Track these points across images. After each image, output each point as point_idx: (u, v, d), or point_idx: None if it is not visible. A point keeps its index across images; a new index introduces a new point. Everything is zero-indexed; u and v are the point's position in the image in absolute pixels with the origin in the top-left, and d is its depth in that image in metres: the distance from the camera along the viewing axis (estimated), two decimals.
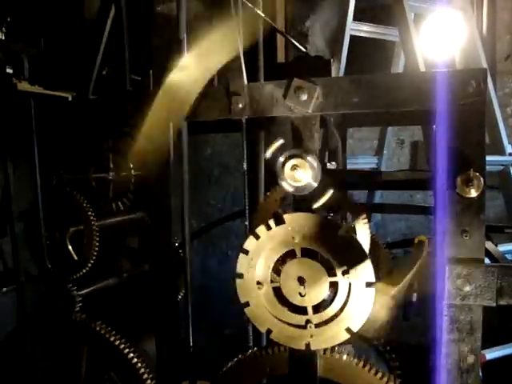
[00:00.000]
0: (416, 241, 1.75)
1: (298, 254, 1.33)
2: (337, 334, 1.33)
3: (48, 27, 2.09)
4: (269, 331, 1.37)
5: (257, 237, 1.34)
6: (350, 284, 1.30)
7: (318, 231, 1.30)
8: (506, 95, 4.85)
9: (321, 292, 1.33)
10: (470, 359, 1.21)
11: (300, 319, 1.35)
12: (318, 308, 1.35)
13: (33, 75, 1.75)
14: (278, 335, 1.37)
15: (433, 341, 1.25)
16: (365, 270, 1.29)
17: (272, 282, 1.36)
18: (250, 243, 1.35)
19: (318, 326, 1.34)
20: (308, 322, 1.35)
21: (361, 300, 1.30)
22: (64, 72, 2.00)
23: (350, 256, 1.29)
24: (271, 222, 1.32)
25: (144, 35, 2.39)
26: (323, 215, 1.35)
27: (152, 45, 2.44)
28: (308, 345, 1.34)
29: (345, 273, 1.30)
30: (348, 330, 1.32)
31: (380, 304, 1.37)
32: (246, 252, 1.35)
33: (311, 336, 1.34)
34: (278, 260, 1.36)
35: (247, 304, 1.37)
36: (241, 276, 1.37)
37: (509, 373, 3.14)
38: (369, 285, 1.29)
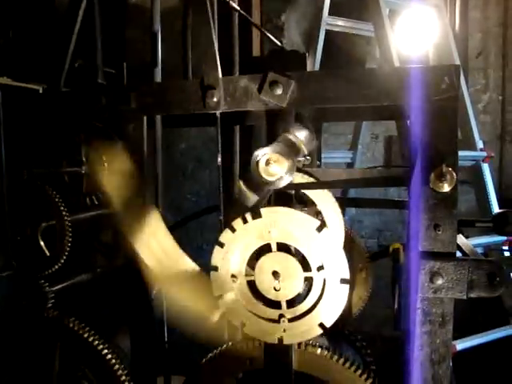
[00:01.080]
0: (391, 249, 1.77)
1: (274, 248, 1.33)
2: (310, 329, 1.34)
3: (17, 16, 2.04)
4: (242, 325, 1.37)
5: (233, 230, 1.33)
6: (324, 280, 1.31)
7: (295, 226, 1.30)
8: (477, 91, 4.95)
9: (295, 287, 1.33)
10: (442, 351, 1.23)
11: (273, 313, 1.36)
12: (291, 303, 1.35)
13: (1, 66, 1.70)
14: (252, 329, 1.37)
15: (405, 333, 1.26)
16: (340, 267, 1.29)
17: (246, 275, 1.36)
18: (225, 236, 1.34)
19: (291, 320, 1.35)
20: (281, 316, 1.35)
21: (335, 296, 1.31)
22: (34, 63, 1.95)
23: (326, 252, 1.30)
24: (248, 216, 1.32)
25: (117, 27, 2.36)
26: (300, 210, 1.35)
27: (126, 37, 2.40)
28: (281, 339, 1.35)
29: (320, 268, 1.31)
30: (321, 325, 1.32)
31: None
32: (222, 245, 1.35)
33: (284, 330, 1.35)
34: (253, 254, 1.35)
35: (221, 297, 1.37)
36: (215, 269, 1.36)
37: (478, 362, 3.22)
38: (343, 281, 1.29)
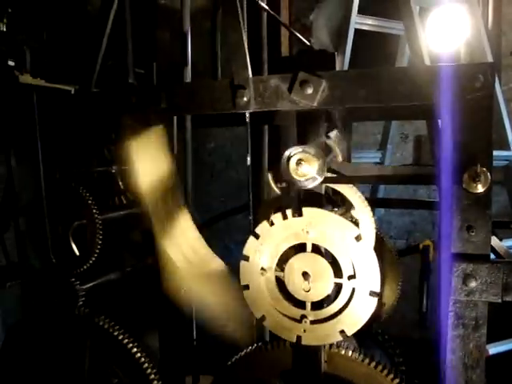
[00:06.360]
0: (421, 246, 1.74)
1: (309, 248, 1.32)
2: (330, 334, 1.33)
3: (50, 19, 2.07)
4: (263, 318, 1.37)
5: (271, 223, 1.33)
6: (353, 289, 1.30)
7: (334, 231, 1.29)
8: (510, 90, 4.81)
9: (323, 291, 1.32)
10: (475, 355, 1.21)
11: (296, 312, 1.35)
12: (316, 305, 1.34)
13: (35, 68, 1.73)
14: (272, 323, 1.37)
15: (438, 336, 1.24)
16: (371, 279, 1.28)
17: (276, 270, 1.36)
18: (262, 228, 1.34)
19: (313, 322, 1.34)
20: (303, 316, 1.35)
21: (361, 306, 1.29)
22: (67, 65, 1.99)
23: (360, 262, 1.28)
24: (288, 212, 1.31)
25: (147, 28, 2.38)
26: (330, 211, 1.34)
27: (156, 38, 2.42)
28: (299, 338, 1.34)
29: (351, 277, 1.30)
30: (342, 332, 1.31)
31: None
32: (257, 236, 1.35)
33: (304, 331, 1.34)
34: (286, 250, 1.35)
35: (247, 287, 1.37)
36: (247, 258, 1.36)
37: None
38: (373, 294, 1.28)
